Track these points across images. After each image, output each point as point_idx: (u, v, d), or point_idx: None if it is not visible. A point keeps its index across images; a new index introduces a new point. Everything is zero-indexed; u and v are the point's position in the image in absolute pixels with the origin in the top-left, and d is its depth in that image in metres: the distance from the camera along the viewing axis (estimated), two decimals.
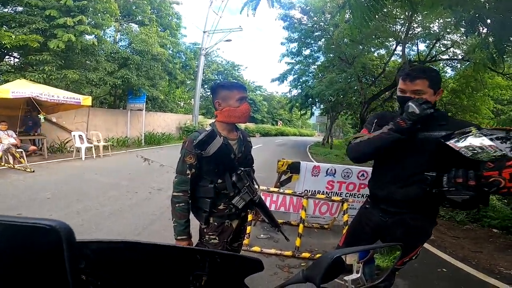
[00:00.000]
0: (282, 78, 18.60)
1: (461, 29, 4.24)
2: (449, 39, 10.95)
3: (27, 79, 7.97)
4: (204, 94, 26.35)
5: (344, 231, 2.40)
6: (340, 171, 3.38)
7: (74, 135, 8.34)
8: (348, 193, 3.41)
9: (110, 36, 14.07)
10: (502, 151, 1.02)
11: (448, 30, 9.38)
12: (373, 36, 10.87)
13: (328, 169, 3.42)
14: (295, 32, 15.00)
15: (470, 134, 1.11)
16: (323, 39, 14.33)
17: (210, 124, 1.55)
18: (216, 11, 17.12)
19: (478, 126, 1.24)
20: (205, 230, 1.53)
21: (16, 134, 7.01)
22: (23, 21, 8.30)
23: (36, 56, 8.28)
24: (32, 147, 7.35)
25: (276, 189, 3.27)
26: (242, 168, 1.48)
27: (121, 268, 0.47)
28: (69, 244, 0.33)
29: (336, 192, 3.42)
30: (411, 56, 12.49)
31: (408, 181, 1.36)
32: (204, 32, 17.89)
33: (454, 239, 3.93)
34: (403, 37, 10.91)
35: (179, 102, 23.51)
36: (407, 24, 10.36)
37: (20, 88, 6.82)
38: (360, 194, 3.40)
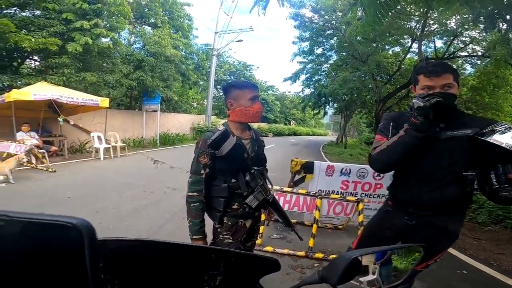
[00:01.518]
0: (294, 78, 18.43)
1: (480, 25, 4.06)
2: (467, 35, 10.51)
3: (47, 82, 8.26)
4: (216, 95, 26.56)
5: (359, 232, 2.36)
6: (355, 171, 3.33)
7: (93, 136, 8.63)
8: (363, 193, 3.35)
9: (124, 39, 14.38)
10: None
11: (466, 26, 9.01)
12: (387, 34, 10.59)
13: (342, 168, 3.37)
14: (306, 31, 14.82)
15: (508, 127, 1.08)
16: (335, 38, 14.10)
17: (223, 124, 1.56)
18: (227, 12, 17.26)
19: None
20: (219, 229, 1.54)
21: (38, 135, 7.33)
22: (42, 25, 8.56)
23: (56, 59, 8.58)
24: (54, 148, 7.66)
25: (289, 189, 3.25)
26: (256, 168, 1.48)
27: (138, 266, 0.48)
28: (91, 242, 0.34)
29: (351, 192, 3.36)
30: (427, 53, 12.09)
31: (439, 183, 1.31)
32: (216, 33, 18.03)
33: (475, 241, 3.79)
34: (418, 34, 10.58)
35: (192, 103, 23.81)
36: (422, 21, 10.03)
37: (41, 91, 7.08)
38: (376, 194, 3.33)
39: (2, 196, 4.35)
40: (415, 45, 11.95)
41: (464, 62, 12.66)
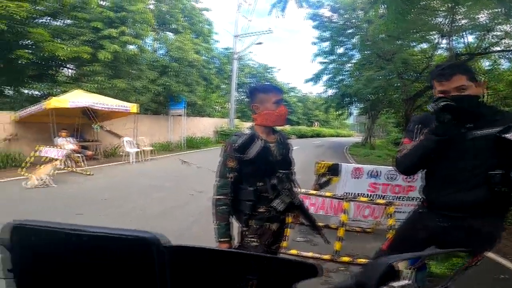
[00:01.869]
0: (316, 78, 18.18)
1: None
2: (501, 29, 9.74)
3: (82, 89, 8.70)
4: (238, 98, 26.84)
5: (389, 235, 2.27)
6: (384, 173, 3.22)
7: (124, 141, 9.08)
8: (393, 196, 3.23)
9: (149, 46, 14.81)
10: None
11: (497, 21, 8.36)
12: (412, 30, 10.11)
13: (371, 171, 3.27)
14: (326, 31, 14.56)
15: None
16: (356, 36, 13.71)
17: (249, 128, 1.58)
18: (246, 16, 17.43)
19: None
20: (245, 232, 1.55)
21: (75, 141, 7.86)
22: (73, 33, 9.08)
23: (89, 67, 9.10)
24: (89, 152, 8.20)
25: (315, 192, 3.22)
26: (282, 171, 1.49)
27: (195, 273, 0.49)
28: (159, 254, 0.37)
29: (380, 195, 3.25)
30: (458, 49, 11.38)
31: (467, 184, 1.29)
32: (235, 36, 18.27)
33: None
34: (447, 29, 9.98)
35: (215, 106, 24.24)
36: (450, 17, 9.45)
37: (77, 98, 7.52)
38: (407, 196, 3.20)
39: (45, 198, 4.71)
40: (444, 41, 11.31)
41: (499, 57, 11.76)
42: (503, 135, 1.11)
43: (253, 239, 1.53)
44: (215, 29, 18.94)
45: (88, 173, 6.66)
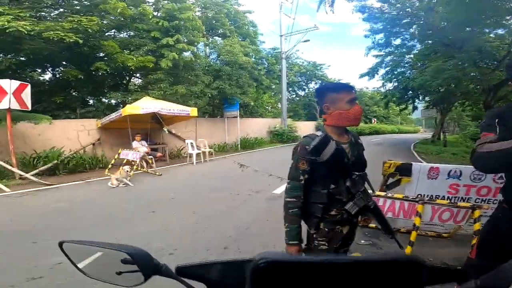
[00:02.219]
0: (372, 73, 17.00)
1: None
2: None
3: (150, 96, 9.60)
4: (289, 97, 26.64)
5: (474, 241, 2.01)
6: (468, 173, 2.82)
7: (187, 143, 9.80)
8: (479, 199, 2.81)
9: (201, 51, 15.59)
10: None
11: None
12: (483, 16, 8.71)
13: (451, 170, 2.90)
14: (378, 23, 13.50)
15: None
16: (414, 26, 12.38)
17: (319, 129, 1.53)
18: (288, 14, 17.15)
19: None
20: (314, 235, 1.50)
21: (147, 144, 8.78)
22: (138, 44, 9.93)
23: (153, 76, 9.97)
24: (159, 154, 9.07)
25: (383, 193, 2.99)
26: (357, 173, 1.41)
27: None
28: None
29: (462, 197, 2.87)
30: None
31: None
32: (281, 36, 18.15)
33: None
34: None
35: (267, 107, 24.50)
36: None
37: (147, 105, 8.30)
38: (497, 199, 2.74)
39: (124, 196, 5.40)
40: None
41: None
42: None
43: (322, 243, 1.48)
44: (260, 30, 19.22)
45: (158, 173, 7.39)
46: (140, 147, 8.13)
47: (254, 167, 7.23)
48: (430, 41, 12.63)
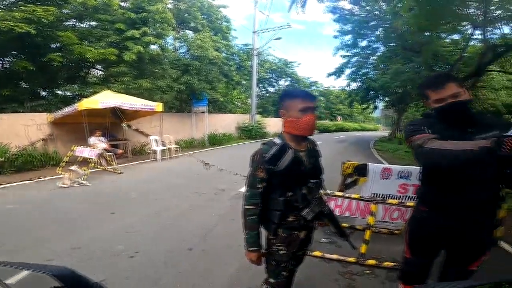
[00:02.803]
0: (338, 72, 17.79)
1: None
2: None
3: (111, 90, 9.04)
4: (259, 93, 26.77)
5: None
6: (416, 174, 3.06)
7: (151, 139, 9.42)
8: None
9: (170, 45, 15.01)
10: None
11: None
12: (442, 22, 9.47)
13: (401, 171, 3.13)
14: (347, 24, 14.12)
15: None
16: (380, 29, 13.13)
17: (278, 136, 1.51)
18: (262, 11, 17.27)
19: None
20: (273, 241, 1.53)
21: (106, 140, 8.26)
22: (99, 35, 9.34)
23: (115, 68, 9.43)
24: (119, 151, 8.58)
25: (341, 193, 3.14)
26: (313, 180, 1.45)
27: None
28: None
29: (410, 196, 3.11)
30: (494, 40, 10.49)
31: (474, 185, 1.38)
32: (254, 32, 18.19)
33: None
34: (480, 20, 9.20)
35: (237, 103, 24.38)
36: (482, 7, 8.70)
37: (107, 99, 7.80)
38: None
39: (80, 197, 5.02)
40: (477, 32, 10.48)
41: None
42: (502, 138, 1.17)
43: (280, 247, 1.52)
44: (233, 25, 18.92)
45: (118, 171, 7.01)
46: (98, 143, 7.64)
47: (221, 165, 7.16)
48: (393, 44, 13.40)
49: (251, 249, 1.49)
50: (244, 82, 22.34)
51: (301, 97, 1.43)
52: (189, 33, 15.03)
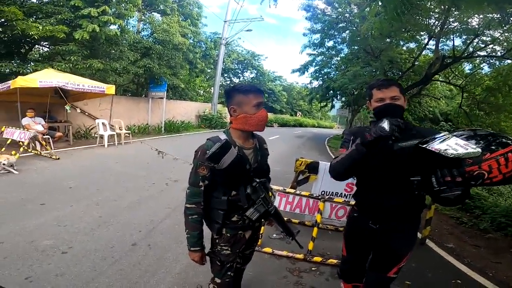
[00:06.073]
0: (303, 69, 18.25)
1: (505, 26, 3.84)
2: (489, 35, 10.02)
3: (54, 68, 8.20)
4: (223, 83, 26.31)
5: None
6: None
7: (98, 123, 8.62)
8: None
9: (133, 26, 14.28)
10: (475, 148, 1.12)
11: (491, 25, 8.52)
12: (403, 30, 10.22)
13: None
14: (318, 23, 14.53)
15: (445, 136, 1.22)
16: (347, 31, 13.75)
17: (224, 132, 1.46)
18: (237, 1, 16.84)
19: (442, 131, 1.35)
20: (217, 240, 1.50)
21: (45, 121, 7.34)
22: (50, 12, 8.45)
23: (63, 47, 8.50)
24: (58, 134, 7.64)
25: (292, 190, 3.19)
26: (258, 180, 1.39)
27: None
28: None
29: None
30: (445, 52, 11.66)
31: (394, 189, 1.47)
32: (225, 21, 17.73)
33: (475, 248, 3.75)
34: (437, 31, 10.13)
35: (199, 91, 23.67)
36: (442, 19, 9.58)
37: (48, 78, 7.00)
38: None
39: (4, 187, 4.33)
40: (431, 42, 11.54)
41: (482, 61, 12.21)
42: (421, 146, 1.25)
43: (225, 247, 1.48)
44: (204, 12, 18.12)
45: (54, 157, 6.23)
46: (32, 125, 6.74)
47: (176, 154, 6.82)
48: (356, 47, 14.08)
49: (192, 249, 1.45)
50: (208, 71, 21.72)
51: (254, 92, 1.39)
52: (157, 16, 14.18)
